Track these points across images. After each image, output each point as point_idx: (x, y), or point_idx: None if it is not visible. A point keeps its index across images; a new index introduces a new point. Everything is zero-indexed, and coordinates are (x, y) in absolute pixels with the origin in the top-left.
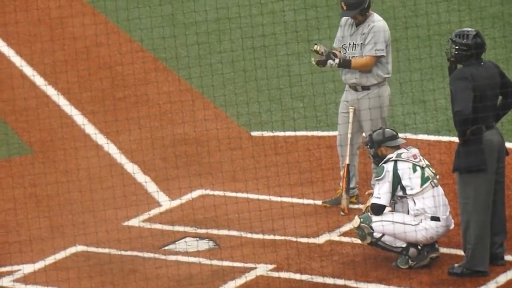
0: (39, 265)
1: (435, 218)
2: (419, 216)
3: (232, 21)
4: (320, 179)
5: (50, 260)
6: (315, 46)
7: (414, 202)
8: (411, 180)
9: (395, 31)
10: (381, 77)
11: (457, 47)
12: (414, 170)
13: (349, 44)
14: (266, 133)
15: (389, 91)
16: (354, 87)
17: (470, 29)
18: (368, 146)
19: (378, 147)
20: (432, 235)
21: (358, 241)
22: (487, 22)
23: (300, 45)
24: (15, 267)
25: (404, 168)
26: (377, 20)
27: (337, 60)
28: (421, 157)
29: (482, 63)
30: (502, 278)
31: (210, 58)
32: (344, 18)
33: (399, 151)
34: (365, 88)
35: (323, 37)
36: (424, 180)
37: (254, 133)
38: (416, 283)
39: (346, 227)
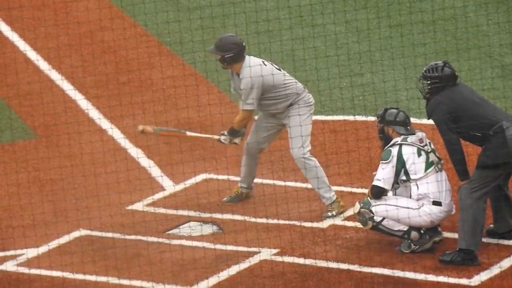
0: (43, 249)
1: (437, 203)
2: (421, 200)
3: (236, 6)
4: (324, 163)
5: (53, 244)
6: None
7: (418, 187)
8: (415, 164)
9: (399, 16)
10: (294, 93)
11: (429, 81)
12: (419, 155)
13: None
14: None
15: (312, 100)
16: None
17: (438, 61)
18: (378, 120)
19: (386, 125)
20: (433, 219)
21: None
22: (491, 7)
23: (304, 30)
24: (19, 252)
25: (409, 153)
26: (245, 75)
27: (225, 132)
28: (427, 141)
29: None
30: (506, 263)
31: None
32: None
33: (405, 135)
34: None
35: (327, 21)
36: (428, 164)
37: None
38: (420, 268)
39: (350, 212)
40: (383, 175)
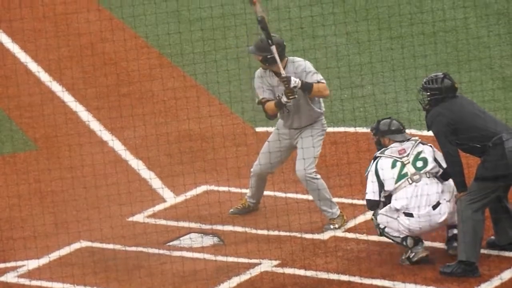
0: (44, 261)
1: (408, 214)
2: (398, 212)
3: (237, 17)
4: (325, 175)
5: (54, 256)
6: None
7: (392, 198)
8: (386, 177)
9: (400, 28)
10: (318, 113)
11: (428, 93)
12: (393, 166)
13: (281, 94)
14: (271, 129)
15: (326, 125)
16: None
17: (438, 73)
18: (373, 133)
19: (382, 137)
20: (404, 229)
21: (363, 237)
22: (492, 19)
23: (305, 41)
24: (20, 263)
25: (382, 167)
26: (296, 60)
27: (299, 81)
28: (417, 151)
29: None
30: (507, 275)
31: (215, 54)
32: (259, 72)
33: (385, 148)
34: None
35: (328, 33)
36: (400, 177)
37: (259, 129)
38: (421, 279)
39: (351, 223)
40: (368, 188)
